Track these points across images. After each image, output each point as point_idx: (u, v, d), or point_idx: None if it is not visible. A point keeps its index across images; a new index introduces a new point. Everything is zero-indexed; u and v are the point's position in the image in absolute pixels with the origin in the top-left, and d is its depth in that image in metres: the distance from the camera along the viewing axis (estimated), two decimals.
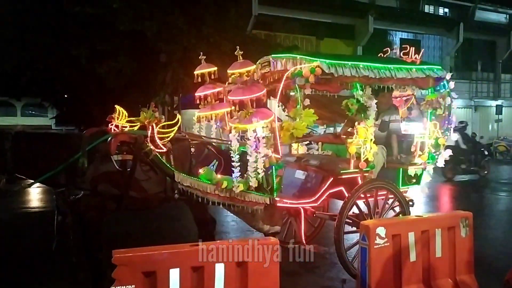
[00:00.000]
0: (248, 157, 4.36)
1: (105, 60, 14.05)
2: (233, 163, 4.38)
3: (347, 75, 4.70)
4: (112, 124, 4.65)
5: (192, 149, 4.72)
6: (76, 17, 13.47)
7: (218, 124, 5.47)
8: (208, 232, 4.93)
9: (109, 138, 4.23)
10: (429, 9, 25.60)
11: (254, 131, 4.30)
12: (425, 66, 5.31)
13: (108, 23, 13.48)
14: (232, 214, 6.21)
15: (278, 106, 5.73)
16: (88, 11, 13.14)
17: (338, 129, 6.67)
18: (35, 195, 10.70)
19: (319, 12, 20.89)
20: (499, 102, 25.21)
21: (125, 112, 4.73)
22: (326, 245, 6.04)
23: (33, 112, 32.27)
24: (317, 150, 6.07)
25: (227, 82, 5.65)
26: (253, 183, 4.35)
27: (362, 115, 4.97)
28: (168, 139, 4.40)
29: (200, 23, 14.93)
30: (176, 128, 4.45)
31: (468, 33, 24.56)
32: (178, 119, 4.65)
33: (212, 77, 5.26)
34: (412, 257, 3.75)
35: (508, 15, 27.65)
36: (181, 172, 4.45)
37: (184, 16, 14.36)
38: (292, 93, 6.01)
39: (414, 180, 5.49)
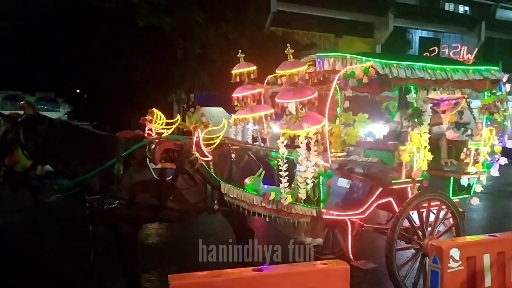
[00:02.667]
0: (298, 167, 4.00)
1: (122, 56, 13.77)
2: (281, 173, 4.02)
3: (401, 76, 4.31)
4: (148, 128, 4.33)
5: (233, 155, 4.37)
6: (94, 11, 13.15)
7: (255, 127, 5.11)
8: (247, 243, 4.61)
9: (153, 146, 3.88)
10: (449, 7, 25.03)
11: (306, 137, 3.94)
12: (482, 67, 4.89)
13: (126, 18, 13.17)
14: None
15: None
16: (107, 6, 12.81)
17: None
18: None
19: (338, 9, 20.36)
20: None
21: (162, 116, 4.39)
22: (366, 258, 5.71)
23: (45, 107, 32.07)
24: (360, 156, 5.69)
25: (265, 83, 5.31)
26: (302, 194, 3.99)
27: (416, 120, 4.61)
28: (214, 146, 4.04)
29: (219, 19, 14.61)
30: (222, 133, 4.08)
31: (489, 32, 23.96)
32: (224, 123, 4.29)
33: (252, 76, 4.90)
34: (487, 282, 3.40)
35: None
36: (223, 181, 4.12)
37: (203, 12, 14.03)
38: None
39: (465, 190, 5.12)
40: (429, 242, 3.45)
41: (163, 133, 4.34)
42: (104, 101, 17.11)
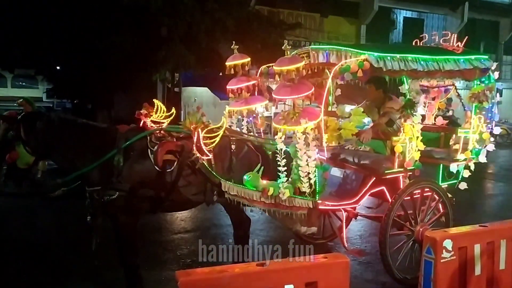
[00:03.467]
0: (298, 161, 4.05)
1: (105, 35, 13.49)
2: (279, 168, 4.07)
3: (395, 69, 4.34)
4: (146, 119, 4.31)
5: (233, 146, 4.39)
6: None
7: (250, 119, 5.12)
8: (244, 232, 4.70)
9: (155, 148, 3.87)
10: None
11: (303, 133, 3.97)
12: (472, 57, 4.94)
13: None
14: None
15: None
16: None
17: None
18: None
19: None
20: (499, 84, 25.04)
21: (163, 106, 4.38)
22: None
23: (24, 84, 31.39)
24: (352, 145, 5.76)
25: (258, 73, 5.28)
26: (306, 188, 4.08)
27: (409, 111, 4.68)
28: (214, 144, 4.06)
29: None
30: (221, 132, 4.08)
31: (472, 13, 24.13)
32: (223, 122, 4.25)
33: (246, 68, 4.89)
34: (477, 270, 3.55)
35: None
36: (222, 176, 4.16)
37: None
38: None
39: (453, 176, 5.26)
40: (425, 234, 3.57)
41: (163, 123, 4.34)
42: (86, 79, 16.82)
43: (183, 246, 5.86)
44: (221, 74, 16.76)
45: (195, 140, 3.96)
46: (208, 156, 4.02)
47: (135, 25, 13.97)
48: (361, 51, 4.37)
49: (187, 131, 4.09)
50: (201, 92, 19.19)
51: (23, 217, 7.36)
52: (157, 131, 4.17)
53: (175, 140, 4.15)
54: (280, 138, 4.04)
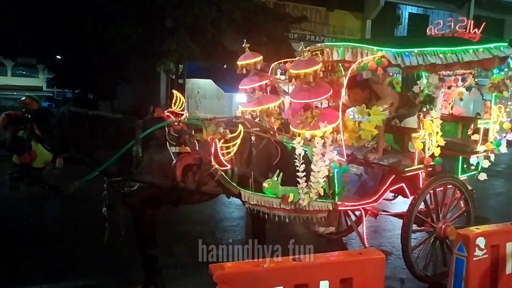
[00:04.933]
0: (312, 167, 3.95)
1: (111, 24, 13.33)
2: (298, 173, 3.98)
3: (413, 64, 4.20)
4: (168, 111, 4.21)
5: (252, 138, 4.29)
6: None
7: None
8: (262, 224, 4.61)
9: (173, 163, 3.78)
10: None
11: (322, 137, 3.87)
12: (491, 45, 4.78)
13: None
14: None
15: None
16: None
17: None
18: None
19: None
20: None
21: (182, 98, 4.27)
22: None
23: (24, 73, 31.18)
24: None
25: (269, 71, 5.15)
26: (326, 190, 4.03)
27: (428, 106, 4.56)
28: (231, 154, 3.96)
29: None
30: (238, 140, 3.97)
31: (478, 10, 23.99)
32: (241, 130, 4.08)
33: (258, 67, 4.78)
34: (508, 269, 3.48)
35: None
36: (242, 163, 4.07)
37: None
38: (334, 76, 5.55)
39: (473, 167, 5.15)
40: (457, 231, 3.49)
41: (182, 114, 4.23)
42: (88, 69, 16.67)
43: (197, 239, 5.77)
44: (225, 66, 16.71)
45: (213, 151, 3.87)
46: (227, 166, 3.94)
47: (141, 15, 13.82)
48: (378, 48, 4.23)
49: (201, 124, 3.98)
50: (205, 84, 19.07)
51: (34, 207, 7.28)
52: (176, 123, 4.07)
53: (192, 135, 4.03)
54: (299, 143, 3.94)
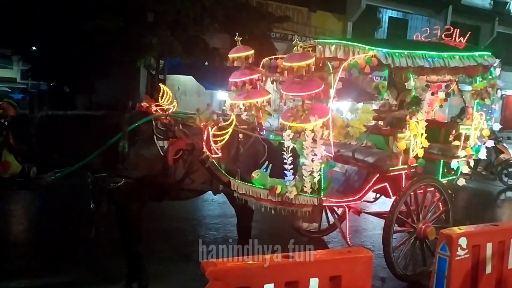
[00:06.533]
0: (303, 160, 3.97)
1: (90, 17, 13.08)
2: (285, 166, 3.99)
3: (403, 65, 4.31)
4: (155, 105, 4.16)
5: (240, 135, 4.29)
6: None
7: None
8: (247, 221, 4.63)
9: (165, 147, 3.75)
10: None
11: (312, 131, 3.89)
12: (476, 53, 4.98)
13: None
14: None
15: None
16: None
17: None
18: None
19: None
20: None
21: (169, 92, 4.23)
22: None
23: None
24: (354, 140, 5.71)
25: (260, 66, 5.16)
26: (307, 187, 4.02)
27: (414, 107, 4.66)
28: (223, 142, 3.94)
29: None
30: (230, 129, 3.97)
31: (455, 16, 24.55)
32: (233, 119, 4.10)
33: (250, 61, 4.78)
34: (488, 269, 3.57)
35: (492, 1, 27.80)
36: (229, 170, 4.08)
37: None
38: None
39: (453, 172, 5.29)
40: (440, 231, 3.56)
41: (169, 109, 4.19)
42: (66, 61, 16.30)
43: (179, 236, 5.74)
44: (206, 63, 16.61)
45: (205, 138, 3.86)
46: (218, 154, 3.93)
47: (122, 8, 13.61)
48: (370, 47, 4.30)
49: (189, 116, 3.98)
50: (185, 81, 18.89)
51: (19, 202, 7.10)
52: (163, 117, 4.03)
53: (181, 127, 4.02)
54: (288, 135, 3.95)
